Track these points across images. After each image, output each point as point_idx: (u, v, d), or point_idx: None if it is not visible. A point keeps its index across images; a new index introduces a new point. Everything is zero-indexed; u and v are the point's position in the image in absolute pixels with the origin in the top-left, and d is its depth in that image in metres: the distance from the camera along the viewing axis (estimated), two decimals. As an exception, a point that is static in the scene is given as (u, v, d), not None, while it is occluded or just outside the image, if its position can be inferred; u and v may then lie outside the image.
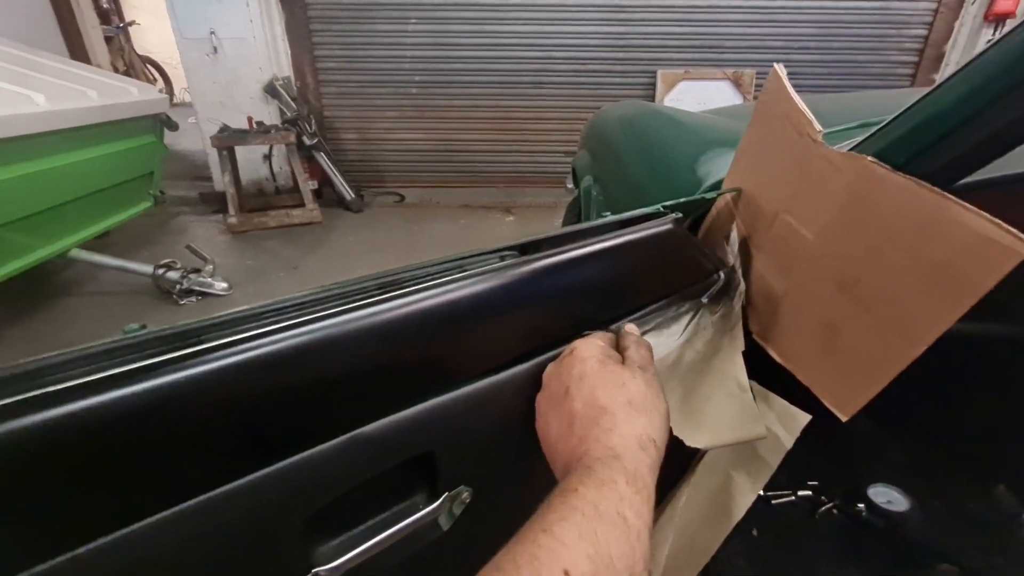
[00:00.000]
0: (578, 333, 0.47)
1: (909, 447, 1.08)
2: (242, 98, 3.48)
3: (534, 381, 0.45)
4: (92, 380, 0.30)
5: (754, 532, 0.98)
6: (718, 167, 0.85)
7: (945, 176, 0.46)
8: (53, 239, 2.10)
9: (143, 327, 0.33)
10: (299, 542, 0.36)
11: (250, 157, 3.58)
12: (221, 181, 3.36)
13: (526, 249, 0.47)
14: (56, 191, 2.03)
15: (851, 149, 0.52)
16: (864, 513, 0.98)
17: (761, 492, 1.08)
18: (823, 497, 1.03)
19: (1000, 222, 0.40)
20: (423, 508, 0.42)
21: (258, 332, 0.33)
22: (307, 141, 3.43)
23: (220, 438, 0.33)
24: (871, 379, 0.54)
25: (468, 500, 0.45)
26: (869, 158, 0.48)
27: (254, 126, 3.35)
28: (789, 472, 1.09)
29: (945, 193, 0.43)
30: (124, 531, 0.29)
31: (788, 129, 0.58)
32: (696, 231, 0.71)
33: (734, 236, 0.65)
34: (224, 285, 2.39)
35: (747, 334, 0.68)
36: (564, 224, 2.00)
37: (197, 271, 2.38)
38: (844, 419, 0.58)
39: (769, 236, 0.62)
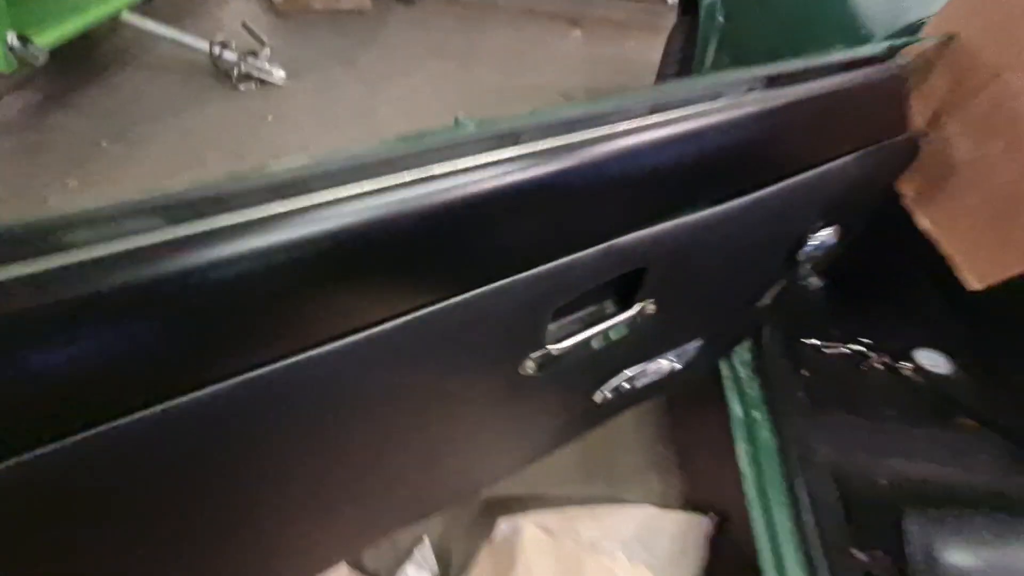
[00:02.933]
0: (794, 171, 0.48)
1: (964, 317, 1.15)
2: None
3: (724, 229, 0.48)
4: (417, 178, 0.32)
5: (804, 372, 1.10)
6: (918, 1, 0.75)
7: None
8: (105, -1, 1.95)
9: (466, 121, 0.35)
10: (545, 326, 0.43)
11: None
12: (262, -52, 2.96)
13: (771, 81, 0.45)
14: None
15: None
16: (908, 372, 1.09)
17: (816, 341, 1.18)
18: (872, 353, 1.13)
19: None
20: (620, 312, 0.49)
21: (547, 148, 0.35)
22: (357, -96, 2.93)
23: (516, 239, 0.37)
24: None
25: (652, 311, 0.51)
26: None
27: None
28: (843, 328, 1.18)
29: None
30: (452, 300, 0.35)
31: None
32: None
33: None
34: (282, 74, 2.29)
35: (896, 196, 0.68)
36: (664, 58, 1.79)
37: (254, 54, 2.25)
38: (978, 287, 0.62)
39: (979, 96, 0.59)
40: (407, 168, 0.31)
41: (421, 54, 2.79)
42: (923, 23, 0.67)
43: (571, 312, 0.50)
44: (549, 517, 0.97)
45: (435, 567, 0.93)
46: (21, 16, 1.65)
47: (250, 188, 0.27)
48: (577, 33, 3.34)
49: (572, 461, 1.12)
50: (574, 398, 0.65)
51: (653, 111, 0.40)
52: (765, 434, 0.91)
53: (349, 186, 0.29)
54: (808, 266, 0.67)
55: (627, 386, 0.71)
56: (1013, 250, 0.58)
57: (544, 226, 0.37)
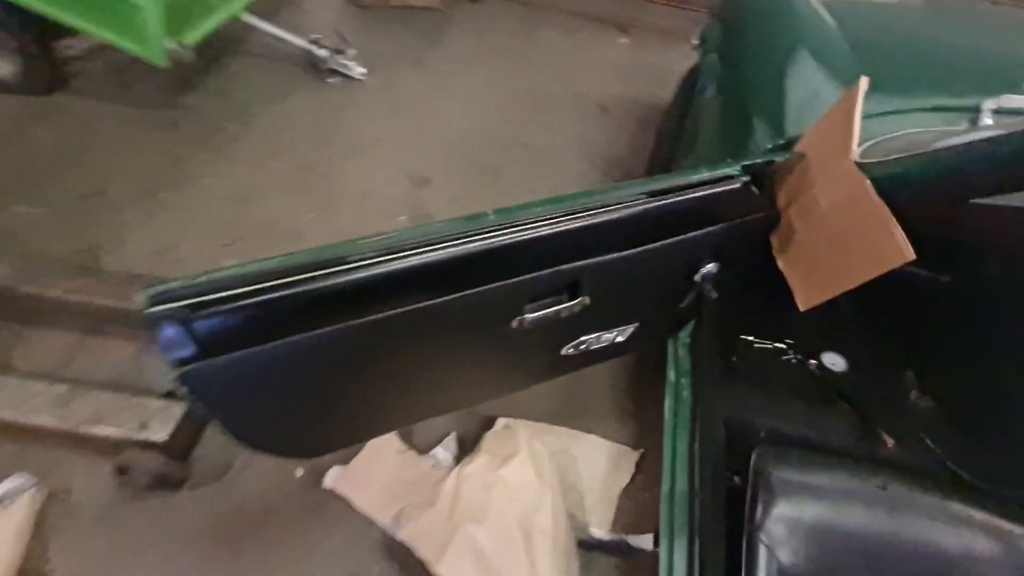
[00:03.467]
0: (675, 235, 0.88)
1: (863, 329, 1.51)
2: None
3: (628, 264, 0.88)
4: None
5: (734, 359, 1.48)
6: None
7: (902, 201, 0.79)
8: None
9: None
10: (521, 307, 0.85)
11: (376, -81, 3.45)
12: (349, -54, 3.35)
13: (653, 194, 0.85)
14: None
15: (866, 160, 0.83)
16: (812, 367, 1.45)
17: (751, 337, 1.54)
18: (791, 351, 1.50)
19: (906, 239, 0.75)
20: (568, 301, 0.90)
21: (535, 224, 0.76)
22: (436, -89, 3.26)
23: (509, 265, 0.79)
24: (823, 294, 0.95)
25: (587, 303, 0.93)
26: (867, 180, 0.80)
27: None
28: (775, 327, 1.54)
29: (891, 217, 0.77)
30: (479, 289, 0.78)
31: (845, 130, 0.88)
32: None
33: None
34: (363, 71, 2.72)
35: (770, 250, 1.06)
36: (679, 90, 2.12)
37: (340, 52, 2.69)
38: (802, 309, 1.00)
39: (806, 194, 0.96)
40: (459, 236, 0.73)
41: (481, 54, 3.16)
42: (798, 138, 1.03)
43: (543, 299, 0.91)
44: (529, 427, 1.43)
45: (456, 450, 1.41)
46: (172, 23, 2.11)
47: (396, 244, 0.71)
48: (625, 40, 3.61)
49: (556, 402, 1.56)
50: (548, 350, 1.07)
51: (580, 208, 0.79)
52: (685, 394, 1.32)
53: (438, 244, 0.71)
54: (707, 285, 1.06)
55: (584, 347, 1.13)
56: (815, 289, 0.97)
57: (524, 260, 0.78)
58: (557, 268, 0.82)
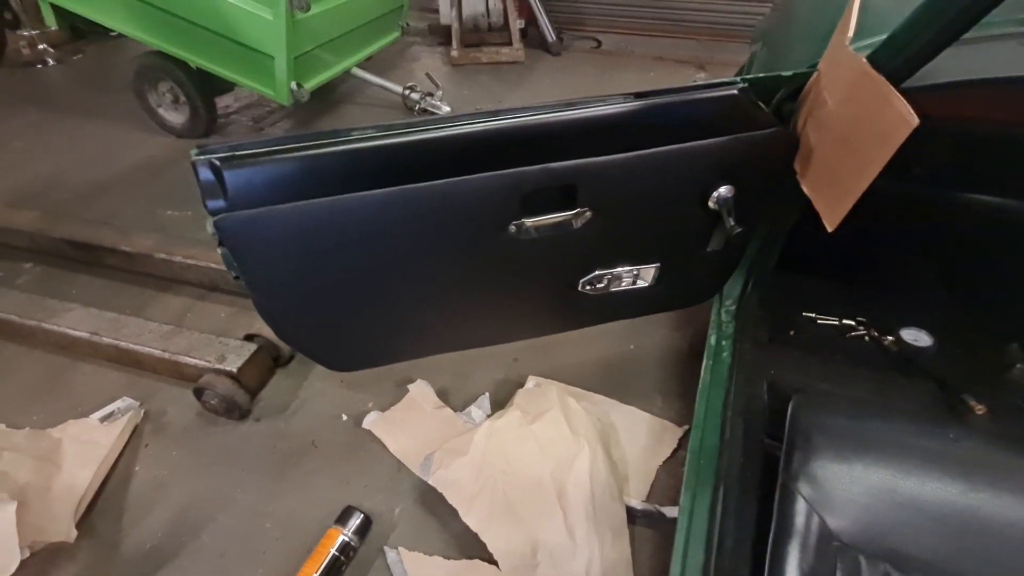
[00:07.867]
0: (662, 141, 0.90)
1: (954, 304, 1.31)
2: (472, -67, 3.79)
3: (624, 173, 0.91)
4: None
5: (791, 333, 1.36)
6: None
7: (900, 74, 0.75)
8: (344, 58, 2.90)
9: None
10: (518, 207, 0.91)
11: (471, -6, 3.99)
12: (448, 15, 3.89)
13: (639, 96, 0.89)
14: (348, 20, 2.77)
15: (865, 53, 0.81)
16: (891, 345, 1.29)
17: (813, 314, 1.42)
18: (862, 328, 1.35)
19: (908, 105, 0.72)
20: (567, 211, 0.94)
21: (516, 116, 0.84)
22: (522, -20, 3.70)
23: (497, 157, 0.87)
24: (845, 202, 0.89)
25: (588, 217, 0.96)
26: (864, 57, 0.78)
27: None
28: (845, 305, 1.40)
29: (890, 85, 0.74)
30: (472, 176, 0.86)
31: (843, 31, 0.87)
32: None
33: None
34: (448, 110, 3.06)
35: (792, 173, 1.02)
36: None
37: (431, 95, 3.07)
38: (830, 229, 0.94)
39: (821, 109, 0.94)
40: (452, 124, 0.83)
41: (557, 94, 3.40)
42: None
43: (541, 206, 0.96)
44: (563, 387, 1.40)
45: (490, 410, 1.43)
46: (297, 70, 2.59)
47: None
48: (702, 74, 3.68)
49: (595, 373, 1.53)
50: (564, 279, 1.09)
51: (567, 107, 0.85)
52: (725, 355, 1.24)
53: (432, 126, 0.81)
54: (727, 216, 1.03)
55: (604, 286, 1.14)
56: (837, 201, 0.91)
57: (514, 155, 0.84)
58: (547, 165, 0.88)
